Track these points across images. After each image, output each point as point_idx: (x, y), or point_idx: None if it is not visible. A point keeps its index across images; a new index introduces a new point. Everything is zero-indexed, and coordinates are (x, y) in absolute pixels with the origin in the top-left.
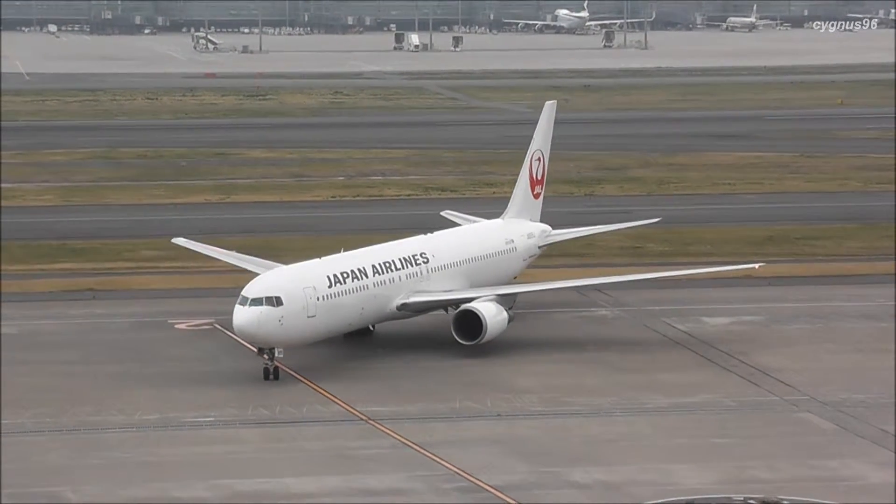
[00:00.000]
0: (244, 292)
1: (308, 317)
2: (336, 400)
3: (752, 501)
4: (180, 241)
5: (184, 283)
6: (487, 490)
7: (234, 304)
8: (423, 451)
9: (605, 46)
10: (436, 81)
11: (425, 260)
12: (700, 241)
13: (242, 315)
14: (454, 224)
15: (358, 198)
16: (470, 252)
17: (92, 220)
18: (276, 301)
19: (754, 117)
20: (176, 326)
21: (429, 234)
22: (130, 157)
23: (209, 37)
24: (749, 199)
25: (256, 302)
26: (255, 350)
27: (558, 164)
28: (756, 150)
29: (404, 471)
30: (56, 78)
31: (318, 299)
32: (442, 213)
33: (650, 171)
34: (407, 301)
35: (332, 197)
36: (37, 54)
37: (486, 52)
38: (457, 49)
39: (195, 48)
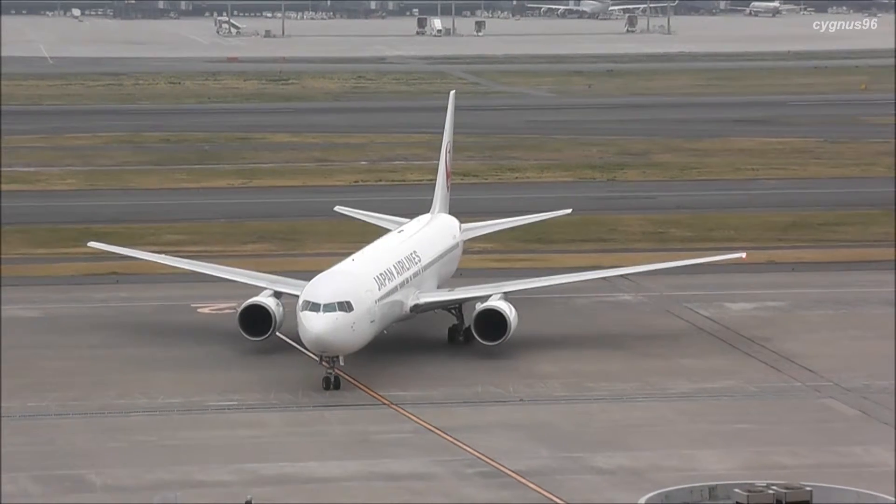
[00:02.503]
0: (310, 298)
1: (370, 321)
2: (358, 384)
3: (774, 487)
4: (96, 244)
5: (207, 267)
6: (509, 475)
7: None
8: (445, 435)
9: (628, 31)
10: (458, 66)
11: (419, 259)
12: (723, 227)
13: (318, 323)
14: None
15: (380, 182)
16: (437, 250)
17: (115, 204)
18: (347, 306)
19: (777, 102)
20: (199, 310)
21: (401, 231)
22: (153, 142)
23: (232, 21)
24: (772, 184)
25: (329, 308)
26: (317, 358)
27: (580, 149)
28: (779, 136)
29: (426, 455)
30: (79, 62)
31: (375, 302)
32: (335, 209)
33: (673, 156)
34: (418, 302)
35: (355, 182)
36: (60, 38)
37: (508, 36)
38: (479, 34)
39: (218, 32)
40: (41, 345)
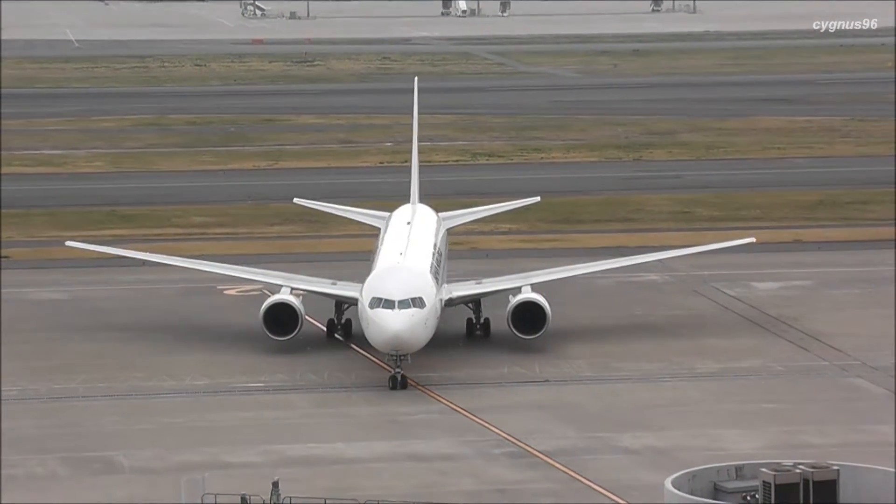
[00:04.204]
0: (380, 294)
1: (436, 317)
2: (384, 366)
3: (801, 466)
4: (73, 244)
5: (233, 248)
6: (536, 455)
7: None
8: (471, 416)
9: (653, 10)
10: (483, 47)
11: (440, 252)
12: (750, 206)
13: (395, 320)
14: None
15: (406, 164)
16: (441, 241)
17: (142, 186)
18: (420, 302)
19: (804, 81)
20: (225, 293)
21: (408, 223)
22: (179, 124)
23: (257, 3)
24: (799, 163)
25: (404, 304)
26: (389, 357)
27: (606, 129)
28: (806, 115)
29: (453, 436)
30: (105, 45)
31: (436, 297)
32: (295, 201)
33: (699, 135)
34: (451, 296)
35: (380, 163)
36: (86, 21)
37: (533, 16)
38: (504, 14)
39: (243, 14)
40: (68, 327)
